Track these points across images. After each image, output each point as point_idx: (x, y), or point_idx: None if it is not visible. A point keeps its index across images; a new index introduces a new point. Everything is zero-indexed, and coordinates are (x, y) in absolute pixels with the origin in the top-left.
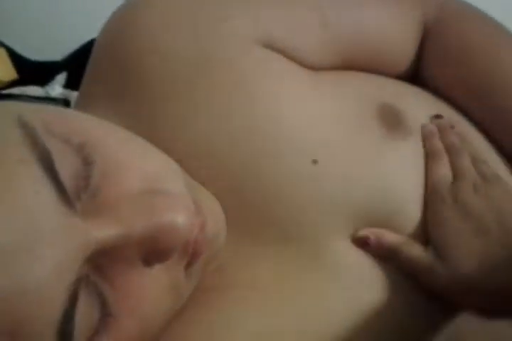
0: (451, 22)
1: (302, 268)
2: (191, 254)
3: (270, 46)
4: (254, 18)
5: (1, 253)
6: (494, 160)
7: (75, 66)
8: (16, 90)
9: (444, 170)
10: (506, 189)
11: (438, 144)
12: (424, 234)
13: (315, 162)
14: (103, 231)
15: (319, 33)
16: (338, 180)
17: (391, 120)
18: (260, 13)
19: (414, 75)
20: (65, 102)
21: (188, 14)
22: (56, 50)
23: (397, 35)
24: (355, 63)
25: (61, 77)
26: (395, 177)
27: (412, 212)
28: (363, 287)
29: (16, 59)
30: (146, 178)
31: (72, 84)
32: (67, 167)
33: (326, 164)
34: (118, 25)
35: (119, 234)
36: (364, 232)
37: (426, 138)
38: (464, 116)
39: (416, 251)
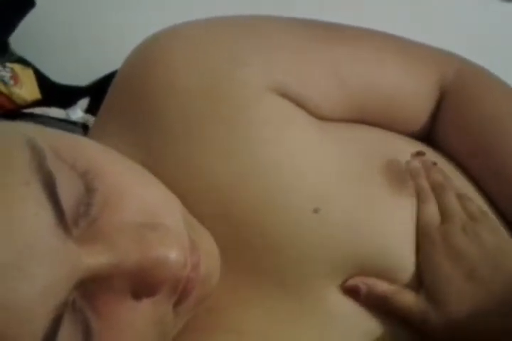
0: (468, 87)
1: (295, 316)
2: (181, 292)
3: (282, 94)
4: (269, 66)
5: None
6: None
7: (99, 93)
8: (38, 110)
9: (432, 211)
10: (494, 226)
11: (425, 184)
12: (418, 283)
13: (316, 211)
14: (95, 259)
15: (332, 86)
16: (337, 231)
17: (396, 176)
18: (276, 62)
19: (428, 134)
20: (84, 126)
21: (206, 57)
22: (87, 77)
23: (412, 94)
24: (367, 118)
25: (84, 102)
26: (393, 233)
27: (407, 266)
28: (356, 337)
29: (42, 80)
30: (145, 211)
31: (93, 109)
32: (69, 192)
33: (327, 213)
34: (138, 60)
35: (110, 263)
36: (354, 281)
37: (413, 178)
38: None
39: (407, 299)
